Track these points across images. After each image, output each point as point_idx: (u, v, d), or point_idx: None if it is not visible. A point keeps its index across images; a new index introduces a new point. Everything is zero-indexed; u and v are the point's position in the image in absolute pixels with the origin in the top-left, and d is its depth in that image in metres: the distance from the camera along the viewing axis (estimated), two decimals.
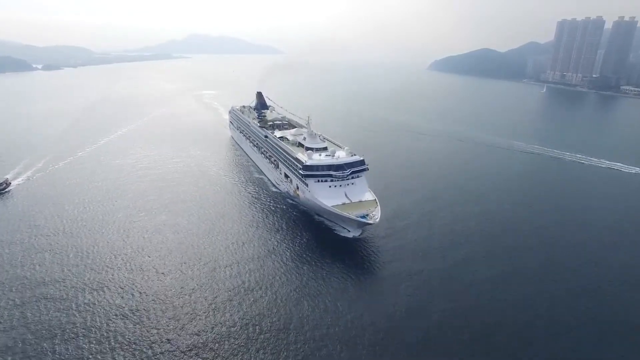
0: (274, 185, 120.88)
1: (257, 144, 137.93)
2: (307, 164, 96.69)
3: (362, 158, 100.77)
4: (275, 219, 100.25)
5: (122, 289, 69.68)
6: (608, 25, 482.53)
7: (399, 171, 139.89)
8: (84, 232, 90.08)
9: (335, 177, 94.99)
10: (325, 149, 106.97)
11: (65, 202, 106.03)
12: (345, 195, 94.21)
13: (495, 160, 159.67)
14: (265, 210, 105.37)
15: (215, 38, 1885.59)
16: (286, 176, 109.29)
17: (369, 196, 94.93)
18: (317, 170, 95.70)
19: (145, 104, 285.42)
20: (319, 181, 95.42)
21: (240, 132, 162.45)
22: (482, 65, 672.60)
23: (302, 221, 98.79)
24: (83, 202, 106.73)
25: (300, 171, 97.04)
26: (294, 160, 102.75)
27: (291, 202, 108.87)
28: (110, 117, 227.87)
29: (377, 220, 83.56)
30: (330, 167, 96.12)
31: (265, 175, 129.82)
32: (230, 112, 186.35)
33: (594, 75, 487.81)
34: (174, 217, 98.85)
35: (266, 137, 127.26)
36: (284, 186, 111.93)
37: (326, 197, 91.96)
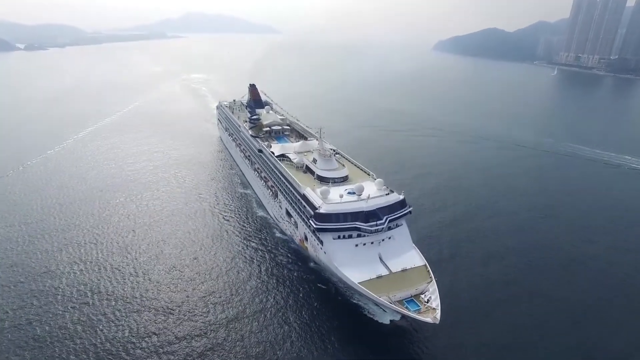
0: (268, 213, 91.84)
1: (248, 155, 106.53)
2: (322, 211, 63.44)
3: (402, 197, 67.98)
4: (265, 266, 72.39)
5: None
6: (630, 2, 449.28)
7: (445, 196, 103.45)
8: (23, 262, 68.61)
9: (365, 231, 62.75)
10: (345, 178, 75.08)
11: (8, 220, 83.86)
12: (380, 258, 62.71)
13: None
14: (250, 246, 78.74)
15: (211, 16, 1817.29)
16: (289, 214, 77.40)
17: (415, 258, 63.22)
18: (337, 222, 62.76)
19: (125, 91, 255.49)
20: (339, 237, 63.59)
21: (229, 135, 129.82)
22: (490, 46, 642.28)
23: (307, 279, 68.72)
24: (23, 223, 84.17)
25: (311, 221, 64.74)
26: (300, 199, 70.44)
27: (285, 236, 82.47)
28: (81, 109, 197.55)
29: (438, 317, 50.74)
30: (357, 215, 63.05)
31: (255, 192, 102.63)
32: (217, 107, 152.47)
33: (612, 57, 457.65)
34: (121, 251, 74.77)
35: (260, 151, 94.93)
36: (286, 226, 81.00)
37: (351, 265, 60.49)
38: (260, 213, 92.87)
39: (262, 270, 71.32)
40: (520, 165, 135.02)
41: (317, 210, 64.02)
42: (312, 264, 71.94)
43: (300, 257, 74.87)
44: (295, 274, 70.65)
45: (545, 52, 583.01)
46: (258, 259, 74.69)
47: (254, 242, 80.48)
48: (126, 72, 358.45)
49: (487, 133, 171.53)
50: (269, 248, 78.60)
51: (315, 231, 64.18)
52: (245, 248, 78.00)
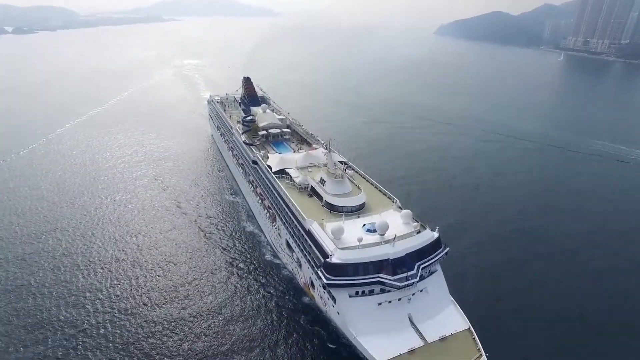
0: (260, 228, 79.70)
1: (242, 164, 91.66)
2: (334, 260, 48.49)
3: (436, 234, 53.28)
4: (249, 300, 59.64)
5: None
6: None
7: (459, 209, 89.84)
8: None
9: (392, 286, 48.08)
10: (362, 207, 59.36)
11: None
12: (411, 321, 48.77)
13: None
14: (232, 271, 66.68)
15: None
16: (289, 246, 63.37)
17: (455, 319, 48.93)
18: (355, 274, 47.99)
19: (112, 80, 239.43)
20: (357, 294, 49.41)
21: (221, 135, 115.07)
22: (494, 30, 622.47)
23: (302, 327, 55.38)
24: None
25: (320, 273, 49.85)
26: (305, 236, 55.97)
27: (278, 260, 70.14)
28: (60, 104, 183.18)
29: None
30: (380, 265, 48.34)
31: (246, 201, 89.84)
32: (208, 102, 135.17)
33: (623, 42, 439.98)
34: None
35: (255, 163, 79.24)
36: (286, 259, 66.52)
37: (373, 332, 46.53)
38: (250, 228, 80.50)
39: (242, 304, 58.93)
40: (540, 166, 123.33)
41: (328, 260, 49.07)
42: (308, 299, 59.70)
43: (295, 290, 62.48)
44: (288, 314, 57.64)
45: (551, 36, 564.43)
46: (240, 289, 62.49)
47: (237, 265, 68.27)
48: (118, 59, 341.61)
49: (499, 127, 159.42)
50: (256, 276, 65.78)
51: (327, 285, 49.34)
52: (225, 273, 66.17)
